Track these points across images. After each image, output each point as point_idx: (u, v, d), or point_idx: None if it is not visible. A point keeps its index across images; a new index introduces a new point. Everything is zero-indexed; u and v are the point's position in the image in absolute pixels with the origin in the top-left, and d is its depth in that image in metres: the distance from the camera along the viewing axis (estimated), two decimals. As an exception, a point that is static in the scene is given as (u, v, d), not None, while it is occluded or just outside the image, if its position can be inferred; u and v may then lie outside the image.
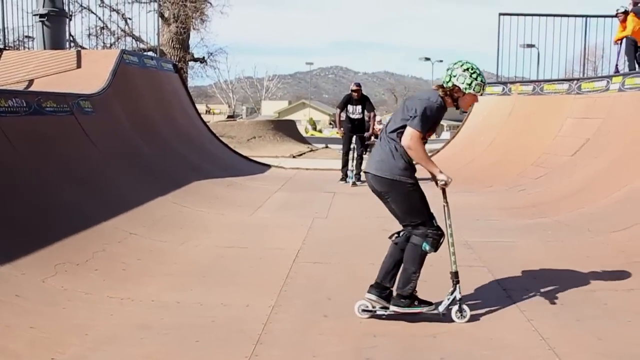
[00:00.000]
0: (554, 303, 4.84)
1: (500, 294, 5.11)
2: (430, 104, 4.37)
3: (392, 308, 4.47)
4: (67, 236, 5.93)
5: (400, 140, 4.39)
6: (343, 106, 12.12)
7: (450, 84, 4.42)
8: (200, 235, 7.15)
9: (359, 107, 12.03)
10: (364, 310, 4.56)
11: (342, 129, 12.19)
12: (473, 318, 4.52)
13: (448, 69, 4.46)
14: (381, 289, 4.53)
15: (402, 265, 4.53)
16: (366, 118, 12.58)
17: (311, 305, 4.84)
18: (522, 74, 15.60)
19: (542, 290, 5.18)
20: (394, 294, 4.53)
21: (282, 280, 5.47)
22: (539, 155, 11.64)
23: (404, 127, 4.38)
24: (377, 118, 17.35)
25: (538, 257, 6.32)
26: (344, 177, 12.17)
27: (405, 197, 4.53)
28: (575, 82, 12.76)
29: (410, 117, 4.33)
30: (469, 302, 4.87)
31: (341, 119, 12.20)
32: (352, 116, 12.05)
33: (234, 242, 7.00)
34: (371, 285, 4.56)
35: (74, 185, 7.28)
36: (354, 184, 11.77)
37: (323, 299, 4.99)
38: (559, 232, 7.26)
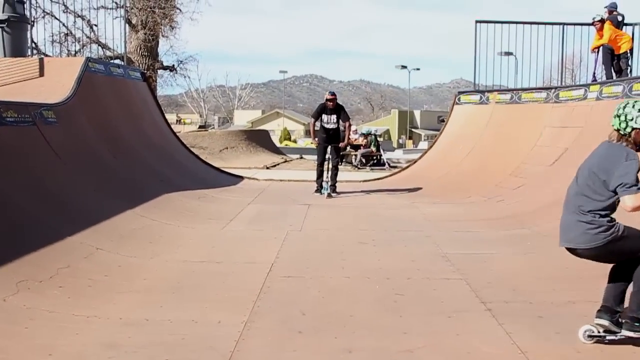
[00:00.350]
0: (533, 316, 4.77)
1: (478, 306, 5.03)
2: (633, 161, 4.01)
3: (625, 333, 4.15)
4: (30, 252, 5.69)
5: (604, 214, 4.07)
6: (317, 116, 11.88)
7: (629, 129, 4.15)
8: (170, 250, 6.96)
9: (333, 117, 11.76)
10: (590, 336, 4.24)
11: (316, 139, 11.95)
12: (451, 331, 4.43)
13: (618, 115, 4.21)
14: (612, 312, 4.19)
15: (634, 286, 4.14)
16: (341, 128, 12.41)
17: (285, 321, 4.70)
18: (500, 81, 15.62)
19: (521, 302, 5.12)
20: (625, 317, 4.17)
21: (255, 295, 5.32)
22: (517, 165, 11.64)
23: (609, 199, 4.05)
24: (353, 127, 17.28)
25: (517, 268, 6.27)
26: (319, 189, 11.96)
27: (625, 241, 4.11)
28: (553, 90, 12.82)
29: (621, 184, 3.93)
30: (448, 315, 4.80)
31: (316, 128, 11.97)
32: (326, 126, 11.79)
33: (205, 256, 6.82)
34: (599, 310, 4.22)
35: (36, 199, 7.04)
36: (329, 195, 11.55)
37: (297, 315, 4.86)
38: (538, 243, 7.22)
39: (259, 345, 4.22)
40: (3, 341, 4.06)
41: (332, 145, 11.83)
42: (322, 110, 11.78)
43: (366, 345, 4.24)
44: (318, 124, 11.91)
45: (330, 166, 11.79)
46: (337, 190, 11.78)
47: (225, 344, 4.18)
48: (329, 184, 11.73)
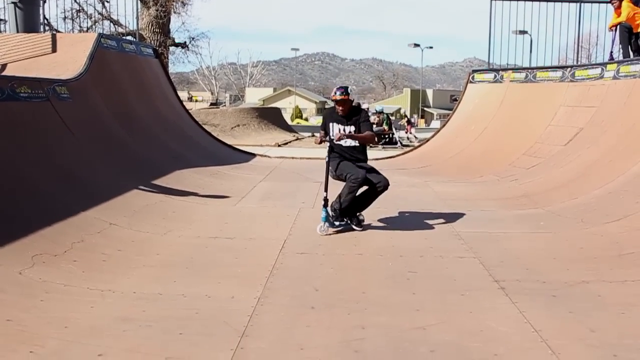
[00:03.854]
0: (547, 295, 4.75)
1: (491, 285, 5.01)
2: None
3: None
4: (45, 227, 5.73)
5: None
6: (325, 127, 7.14)
7: None
8: (183, 226, 6.98)
9: (348, 128, 6.93)
10: None
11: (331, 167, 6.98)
12: (464, 309, 4.42)
13: None
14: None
15: None
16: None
17: (298, 297, 4.71)
18: (515, 61, 15.50)
19: (534, 281, 5.10)
20: None
21: (268, 271, 5.33)
22: (531, 145, 11.53)
23: None
24: (364, 105, 16.82)
25: (530, 248, 6.24)
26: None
27: None
28: (569, 69, 12.65)
29: None
30: (461, 293, 4.79)
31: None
32: (337, 142, 6.88)
33: (218, 232, 6.84)
34: None
35: (51, 174, 7.07)
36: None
37: (310, 291, 4.87)
38: (552, 222, 7.18)
39: (272, 321, 4.23)
40: (19, 314, 4.10)
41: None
42: (331, 117, 7.10)
43: (379, 321, 4.23)
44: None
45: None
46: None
47: (239, 319, 4.19)
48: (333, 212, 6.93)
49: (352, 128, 6.87)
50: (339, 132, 6.81)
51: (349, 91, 7.00)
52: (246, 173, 11.44)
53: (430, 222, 7.39)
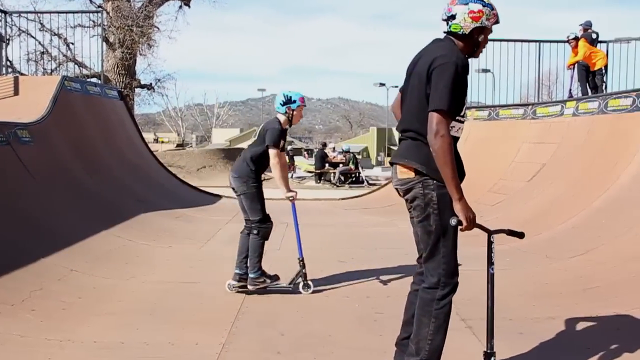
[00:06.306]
0: (514, 332, 4.74)
1: (459, 324, 4.99)
2: None
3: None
4: (1, 275, 5.55)
5: None
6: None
7: None
8: (146, 271, 6.85)
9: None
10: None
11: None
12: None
13: None
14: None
15: None
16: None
17: (263, 342, 4.62)
18: (478, 99, 15.78)
19: (501, 319, 5.07)
20: None
21: (233, 315, 5.24)
22: (495, 182, 11.69)
23: None
24: (331, 145, 16.76)
25: (497, 285, 6.20)
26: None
27: None
28: (530, 107, 12.93)
29: None
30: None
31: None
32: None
33: (182, 277, 6.72)
34: None
35: (10, 220, 6.88)
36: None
37: (276, 335, 4.78)
38: (518, 258, 7.23)
39: (237, 368, 4.14)
40: (-27, 367, 3.94)
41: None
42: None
43: (346, 366, 4.17)
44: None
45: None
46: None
47: (203, 367, 4.09)
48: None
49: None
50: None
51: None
52: (212, 215, 11.32)
53: (396, 261, 7.37)
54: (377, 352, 4.37)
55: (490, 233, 3.63)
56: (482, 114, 14.31)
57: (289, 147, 40.19)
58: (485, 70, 15.71)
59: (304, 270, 6.08)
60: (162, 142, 71.44)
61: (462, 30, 3.47)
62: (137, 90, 30.52)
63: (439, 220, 3.58)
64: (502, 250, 7.73)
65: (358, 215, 11.86)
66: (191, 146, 67.82)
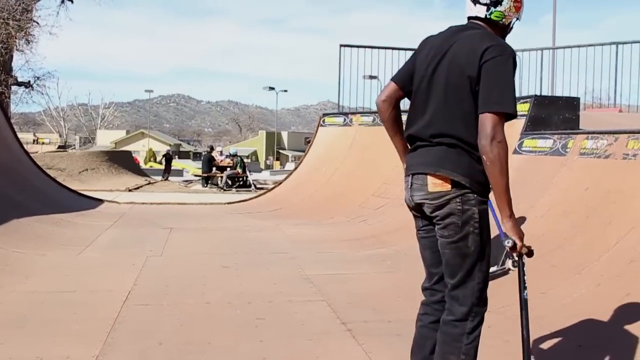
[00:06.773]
0: (392, 334, 4.89)
1: (339, 328, 5.09)
2: None
3: None
4: None
5: None
6: None
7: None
8: (17, 280, 6.46)
9: None
10: None
11: None
12: (311, 354, 4.44)
13: None
14: None
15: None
16: None
17: (140, 353, 4.49)
18: (363, 104, 16.11)
19: (380, 321, 5.25)
20: None
21: (109, 326, 5.05)
22: (379, 186, 11.96)
23: None
24: (218, 149, 16.73)
25: (377, 287, 6.44)
26: None
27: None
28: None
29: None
30: (308, 338, 4.82)
31: None
32: None
33: (56, 286, 6.40)
34: None
35: None
36: None
37: (154, 344, 4.66)
38: (398, 261, 7.48)
39: (110, 380, 4.00)
40: None
41: None
42: None
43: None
44: None
45: None
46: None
47: (74, 381, 3.92)
48: None
49: None
50: None
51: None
52: (92, 220, 10.89)
53: (280, 266, 7.42)
54: (257, 358, 4.38)
55: (531, 255, 2.98)
56: (366, 119, 14.59)
57: (167, 149, 39.48)
58: (372, 77, 16.13)
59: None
60: (43, 143, 68.00)
61: (503, 20, 3.02)
62: (14, 88, 28.89)
63: (479, 241, 2.96)
64: (383, 253, 8.03)
65: (244, 219, 11.82)
66: (74, 148, 64.84)
